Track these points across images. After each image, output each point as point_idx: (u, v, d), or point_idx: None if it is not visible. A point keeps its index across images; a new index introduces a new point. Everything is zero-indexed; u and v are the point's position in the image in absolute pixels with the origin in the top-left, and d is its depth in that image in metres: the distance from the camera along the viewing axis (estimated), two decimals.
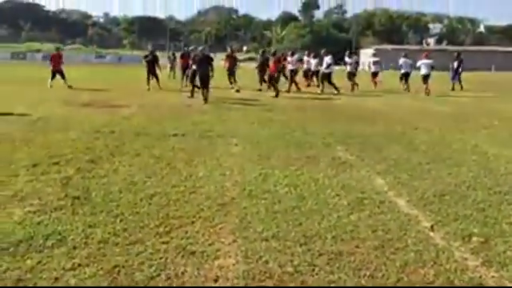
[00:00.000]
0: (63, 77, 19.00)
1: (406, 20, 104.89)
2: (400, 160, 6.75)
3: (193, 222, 4.16)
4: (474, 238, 3.84)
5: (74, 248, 3.54)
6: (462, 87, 22.19)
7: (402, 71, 21.40)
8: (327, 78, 19.54)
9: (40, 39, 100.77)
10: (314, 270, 3.26)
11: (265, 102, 15.31)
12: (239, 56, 43.64)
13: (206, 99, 14.04)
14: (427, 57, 20.40)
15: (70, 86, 18.49)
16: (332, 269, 3.27)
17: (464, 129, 10.05)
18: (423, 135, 9.04)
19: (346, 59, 22.40)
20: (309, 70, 22.88)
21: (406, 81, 21.23)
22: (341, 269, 3.27)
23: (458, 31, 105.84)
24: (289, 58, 20.32)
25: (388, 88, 21.86)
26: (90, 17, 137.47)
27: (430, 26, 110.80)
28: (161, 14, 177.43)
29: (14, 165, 5.97)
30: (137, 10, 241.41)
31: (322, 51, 21.00)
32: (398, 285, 3.08)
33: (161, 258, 3.41)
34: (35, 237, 3.71)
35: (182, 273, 3.20)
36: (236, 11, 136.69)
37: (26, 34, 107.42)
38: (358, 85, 21.21)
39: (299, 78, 21.42)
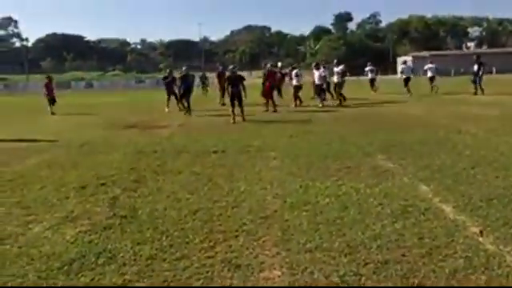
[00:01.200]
0: (53, 103, 20.03)
1: (443, 25, 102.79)
2: (444, 166, 6.59)
3: (236, 236, 4.20)
4: None
5: (124, 265, 3.65)
6: (482, 91, 20.70)
7: (404, 76, 23.00)
8: (338, 87, 19.30)
9: (83, 68, 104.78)
10: (360, 279, 3.22)
11: (302, 115, 15.30)
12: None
13: (243, 117, 13.94)
14: (432, 62, 24.18)
15: (53, 113, 19.35)
16: (379, 278, 3.23)
17: (509, 131, 9.71)
18: (467, 139, 8.80)
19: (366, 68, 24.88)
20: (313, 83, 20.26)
21: (406, 85, 22.67)
22: (388, 277, 3.23)
23: (498, 33, 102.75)
24: (292, 73, 19.42)
25: (421, 93, 21.53)
26: (128, 44, 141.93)
27: (469, 29, 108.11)
28: (195, 37, 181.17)
29: (65, 187, 6.22)
30: (172, 35, 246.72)
31: (335, 61, 20.59)
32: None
33: (207, 272, 3.46)
34: (87, 255, 3.84)
35: (229, 285, 3.23)
36: (269, 29, 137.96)
37: (69, 65, 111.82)
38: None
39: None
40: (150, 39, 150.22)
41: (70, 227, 4.61)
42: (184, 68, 17.78)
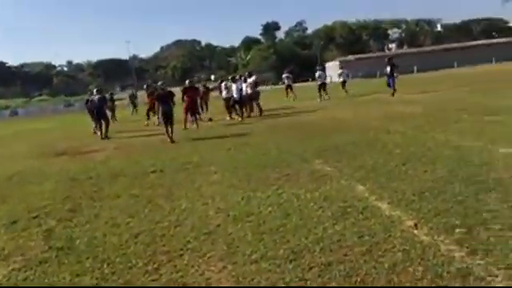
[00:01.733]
0: None
1: (365, 29, 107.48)
2: (377, 165, 6.87)
3: (181, 255, 4.15)
4: (457, 230, 3.93)
5: None
6: (394, 92, 20.84)
7: (319, 82, 24.44)
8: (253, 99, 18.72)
9: (6, 96, 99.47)
10: (305, 283, 3.28)
11: (237, 127, 15.39)
12: (210, 85, 43.69)
13: (171, 138, 12.87)
14: (343, 67, 27.75)
15: None
16: (323, 280, 3.31)
17: (434, 127, 10.27)
18: (396, 138, 9.22)
19: (316, 74, 25.07)
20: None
21: (324, 89, 24.15)
22: (332, 279, 3.31)
23: (416, 34, 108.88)
24: (222, 85, 19.21)
25: (340, 97, 22.34)
26: (53, 67, 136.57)
27: (389, 31, 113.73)
28: (124, 55, 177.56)
29: None
30: (99, 54, 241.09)
31: (246, 73, 20.06)
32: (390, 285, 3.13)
33: None
34: None
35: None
36: (199, 42, 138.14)
37: None
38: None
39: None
40: (76, 60, 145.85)
41: (1, 266, 4.35)
42: (160, 83, 15.40)
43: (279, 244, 4.12)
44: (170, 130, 13.01)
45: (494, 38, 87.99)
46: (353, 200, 5.20)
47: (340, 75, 27.10)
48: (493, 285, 2.97)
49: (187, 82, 17.94)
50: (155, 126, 18.81)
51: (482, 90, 18.75)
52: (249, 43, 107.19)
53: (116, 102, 27.72)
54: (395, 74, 21.16)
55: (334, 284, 3.22)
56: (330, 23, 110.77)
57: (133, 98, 30.18)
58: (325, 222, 4.55)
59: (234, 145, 10.84)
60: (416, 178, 5.82)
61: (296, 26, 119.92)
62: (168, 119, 13.06)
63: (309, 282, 3.29)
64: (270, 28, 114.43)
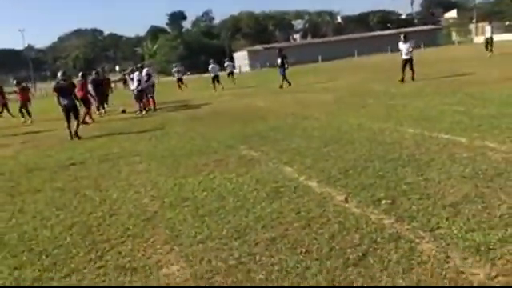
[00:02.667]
0: None
1: (271, 20, 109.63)
2: (300, 148, 7.23)
3: (123, 242, 4.14)
4: (383, 202, 4.34)
5: None
6: (289, 83, 20.84)
7: (212, 74, 25.64)
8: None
9: None
10: (255, 257, 3.47)
11: (152, 118, 15.18)
12: (112, 77, 42.03)
13: (76, 133, 11.65)
14: (231, 60, 30.32)
15: None
16: (271, 253, 3.51)
17: (346, 112, 10.95)
18: (313, 123, 9.70)
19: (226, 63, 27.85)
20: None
21: (218, 81, 25.32)
22: (279, 251, 3.53)
23: (319, 25, 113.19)
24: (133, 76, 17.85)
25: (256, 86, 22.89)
26: None
27: (294, 22, 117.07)
28: (18, 46, 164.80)
29: None
30: None
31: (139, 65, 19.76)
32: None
33: (103, 281, 3.39)
34: None
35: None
36: (101, 32, 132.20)
37: None
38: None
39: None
40: None
41: None
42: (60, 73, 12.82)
43: (221, 224, 4.26)
44: (72, 124, 11.70)
45: (388, 29, 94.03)
46: (284, 181, 5.48)
47: (227, 67, 30.12)
48: (420, 246, 3.35)
49: (80, 74, 16.96)
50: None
51: (381, 78, 20.10)
52: (155, 33, 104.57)
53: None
54: (286, 66, 21.28)
55: (281, 256, 3.44)
56: (236, 13, 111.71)
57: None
58: (261, 202, 4.77)
59: (154, 135, 10.73)
60: (339, 159, 6.24)
61: (203, 15, 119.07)
62: (69, 113, 11.71)
63: (258, 256, 3.47)
64: (177, 17, 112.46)
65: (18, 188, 6.79)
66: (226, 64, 29.94)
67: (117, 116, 17.06)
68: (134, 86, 17.37)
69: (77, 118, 11.87)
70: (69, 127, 11.72)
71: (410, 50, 16.62)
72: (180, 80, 28.94)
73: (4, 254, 4.16)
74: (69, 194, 6.11)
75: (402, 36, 17.55)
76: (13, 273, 3.70)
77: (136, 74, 17.44)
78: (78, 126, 11.80)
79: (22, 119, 18.34)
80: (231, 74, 29.59)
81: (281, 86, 20.92)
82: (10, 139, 13.44)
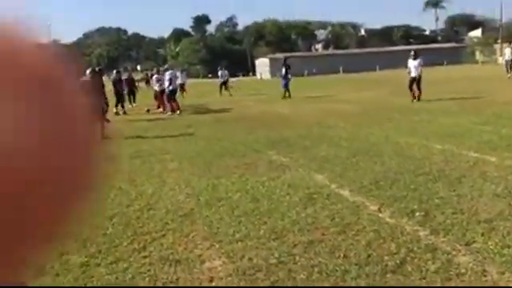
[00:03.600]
0: None
1: (294, 29, 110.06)
2: (329, 156, 7.35)
3: (164, 235, 4.31)
4: (417, 214, 4.44)
5: (58, 275, 3.54)
6: (289, 95, 20.68)
7: (221, 80, 26.20)
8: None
9: None
10: (294, 258, 3.60)
11: (180, 119, 15.42)
12: (135, 76, 42.62)
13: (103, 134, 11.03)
14: (224, 69, 26.65)
15: None
16: (310, 255, 3.64)
17: (371, 124, 11.03)
18: (340, 132, 9.82)
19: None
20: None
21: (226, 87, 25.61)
22: (318, 254, 3.66)
23: (342, 36, 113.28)
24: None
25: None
26: None
27: (316, 32, 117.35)
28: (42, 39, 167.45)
29: None
30: None
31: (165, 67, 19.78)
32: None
33: (149, 271, 3.55)
34: None
35: (177, 279, 3.37)
36: (125, 31, 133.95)
37: None
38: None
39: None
40: None
41: None
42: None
43: (258, 225, 4.41)
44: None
45: (411, 44, 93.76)
46: (315, 187, 5.61)
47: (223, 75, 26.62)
48: (457, 259, 3.46)
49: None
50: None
51: (405, 92, 20.05)
52: (179, 35, 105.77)
53: None
54: (289, 76, 20.94)
55: (320, 259, 3.57)
56: (260, 20, 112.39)
57: None
58: (295, 207, 4.90)
59: (182, 135, 10.94)
60: (368, 169, 6.35)
61: (226, 21, 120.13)
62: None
63: (297, 257, 3.61)
64: (201, 21, 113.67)
65: None
66: (219, 73, 26.78)
67: (142, 115, 17.34)
68: (165, 85, 17.18)
69: (101, 120, 10.99)
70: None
71: (420, 67, 15.67)
72: (224, 84, 26.13)
73: None
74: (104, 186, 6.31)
75: (411, 52, 16.51)
76: (60, 257, 3.88)
77: (168, 73, 17.46)
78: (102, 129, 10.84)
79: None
80: (225, 84, 26.06)
81: (284, 97, 20.50)
82: None
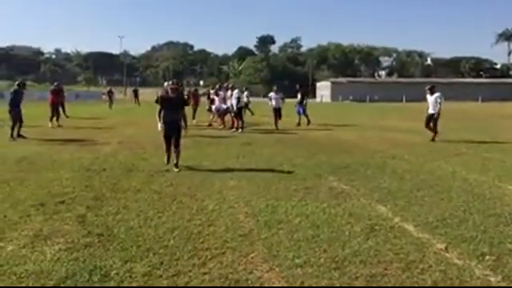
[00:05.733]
0: None
1: (358, 54, 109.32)
2: (392, 188, 7.16)
3: (223, 253, 4.34)
4: (487, 257, 4.21)
5: (122, 281, 3.65)
6: (308, 121, 19.70)
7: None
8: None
9: None
10: None
11: (239, 136, 15.59)
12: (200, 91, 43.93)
13: (176, 165, 8.84)
14: (276, 92, 19.51)
15: None
16: None
17: (437, 157, 10.67)
18: (403, 164, 9.55)
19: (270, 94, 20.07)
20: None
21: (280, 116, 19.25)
22: None
23: (407, 64, 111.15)
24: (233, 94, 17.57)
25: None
26: (41, 53, 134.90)
27: (381, 59, 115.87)
28: (115, 50, 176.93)
29: (20, 205, 5.95)
30: (89, 46, 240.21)
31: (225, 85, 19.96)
32: None
33: None
34: (78, 273, 3.79)
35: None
36: (191, 46, 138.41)
37: None
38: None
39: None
40: (64, 49, 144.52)
41: (46, 245, 4.47)
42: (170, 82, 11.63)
43: (318, 252, 4.34)
44: (171, 153, 9.16)
45: (481, 77, 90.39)
46: (377, 219, 5.46)
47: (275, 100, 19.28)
48: None
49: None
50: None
51: (475, 127, 19.38)
52: (243, 53, 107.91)
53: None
54: (305, 102, 20.27)
55: None
56: (324, 43, 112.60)
57: (110, 93, 36.20)
58: (357, 237, 4.79)
59: (242, 153, 11.02)
60: (434, 205, 6.12)
61: (291, 42, 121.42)
62: (169, 138, 9.10)
63: None
64: (266, 41, 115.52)
65: (120, 185, 7.28)
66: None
67: (203, 130, 17.67)
68: (233, 102, 17.44)
69: (177, 146, 9.01)
70: (168, 156, 9.22)
71: (437, 104, 14.15)
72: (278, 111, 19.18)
73: (115, 245, 4.50)
74: (166, 198, 6.47)
75: (427, 88, 15.10)
76: (125, 265, 4.00)
77: (236, 91, 17.77)
78: (177, 157, 8.96)
79: None
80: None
81: (298, 124, 19.58)
82: (109, 137, 14.40)
